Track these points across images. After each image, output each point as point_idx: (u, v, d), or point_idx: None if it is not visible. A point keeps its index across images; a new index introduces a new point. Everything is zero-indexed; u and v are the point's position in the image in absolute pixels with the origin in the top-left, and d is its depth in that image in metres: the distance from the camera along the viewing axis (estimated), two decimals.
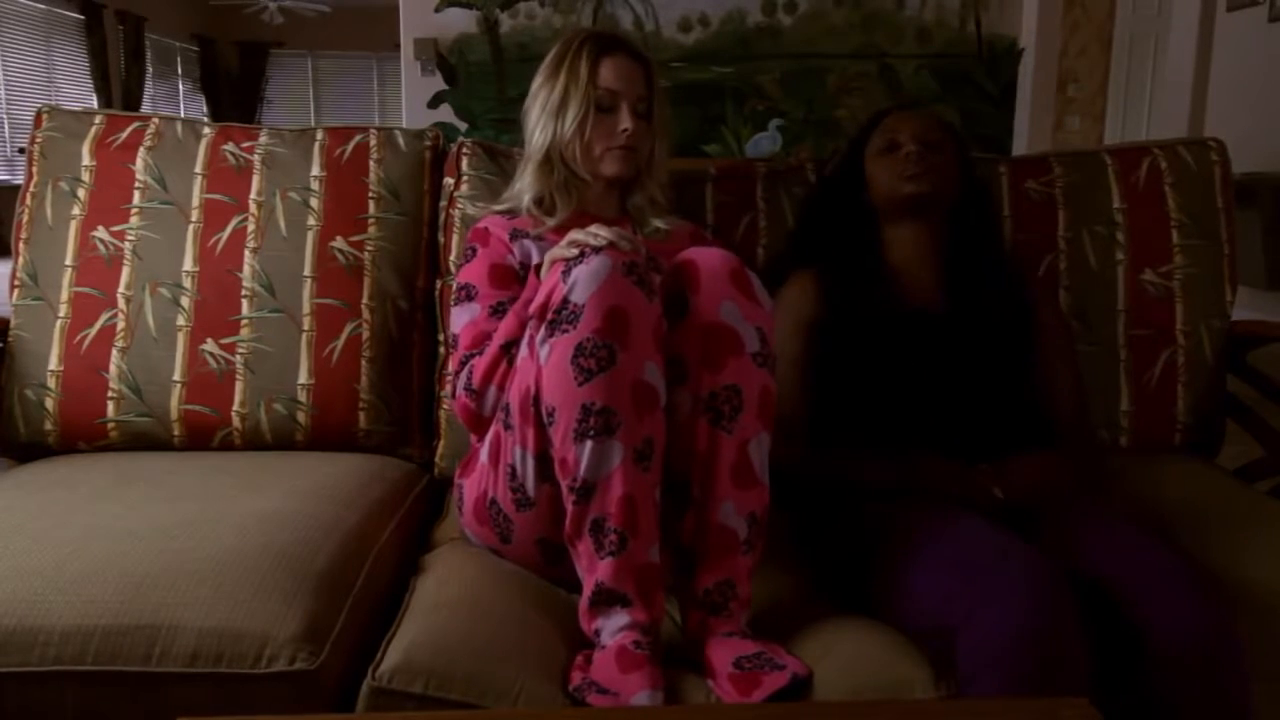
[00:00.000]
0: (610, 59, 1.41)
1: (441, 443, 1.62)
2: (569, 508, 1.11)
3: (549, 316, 1.11)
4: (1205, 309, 1.65)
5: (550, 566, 1.25)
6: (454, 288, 1.44)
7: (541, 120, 1.44)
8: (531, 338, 1.15)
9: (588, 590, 1.10)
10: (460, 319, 1.39)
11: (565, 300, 1.09)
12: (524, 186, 1.47)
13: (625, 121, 1.41)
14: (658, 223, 1.49)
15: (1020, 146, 5.63)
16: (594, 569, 1.10)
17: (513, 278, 1.40)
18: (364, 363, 1.59)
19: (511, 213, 1.49)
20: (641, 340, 1.09)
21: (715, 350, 1.14)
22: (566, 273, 1.11)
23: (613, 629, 1.08)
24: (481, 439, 1.33)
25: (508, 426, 1.21)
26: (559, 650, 1.11)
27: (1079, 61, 6.24)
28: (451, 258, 1.64)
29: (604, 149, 1.42)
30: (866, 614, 1.17)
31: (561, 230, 1.39)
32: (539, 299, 1.14)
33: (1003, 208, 1.69)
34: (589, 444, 1.08)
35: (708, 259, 1.17)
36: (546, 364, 1.11)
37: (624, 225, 1.48)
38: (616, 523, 1.08)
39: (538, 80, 1.46)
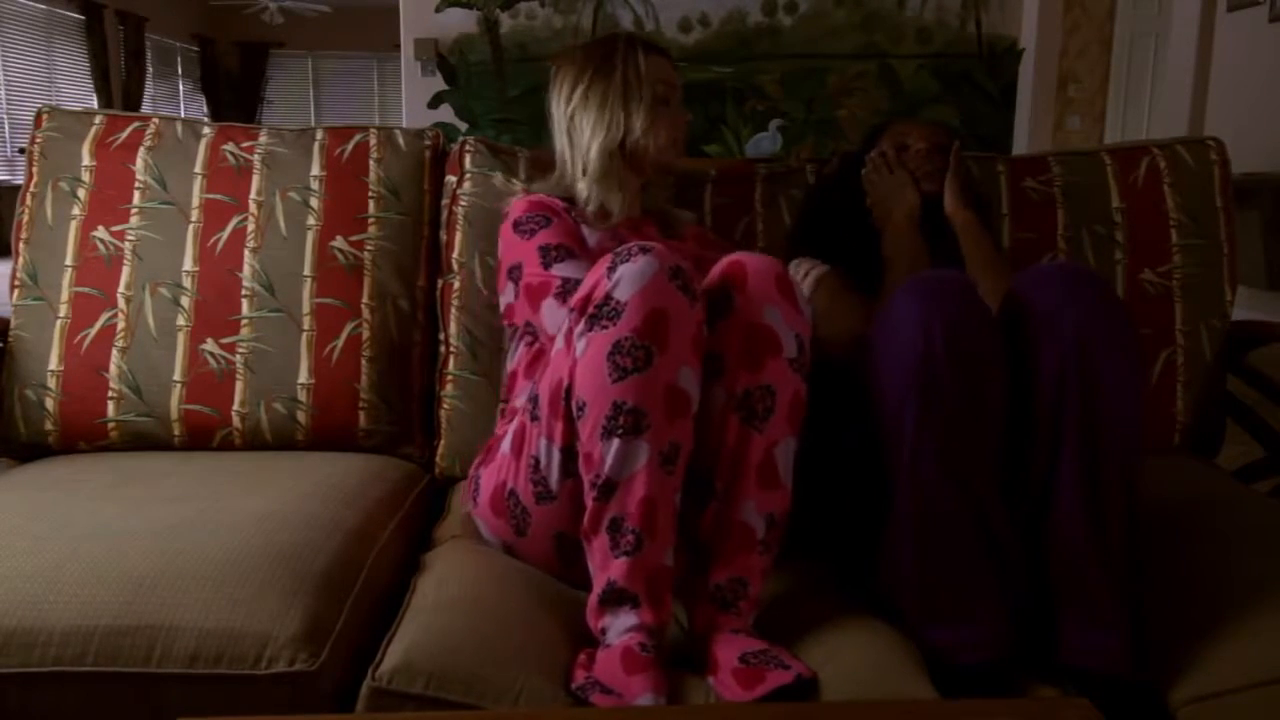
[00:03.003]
0: (656, 58, 1.50)
1: (442, 443, 1.62)
2: (589, 503, 1.11)
3: (589, 310, 1.12)
4: (1205, 309, 1.65)
5: (563, 563, 1.25)
6: (537, 248, 1.38)
7: (606, 115, 1.46)
8: (570, 330, 1.16)
9: (598, 587, 1.10)
10: (571, 271, 1.35)
11: (608, 296, 1.10)
12: (590, 193, 1.47)
13: (685, 113, 1.53)
14: (685, 214, 1.61)
15: (1020, 146, 5.63)
16: (607, 567, 1.10)
17: (588, 250, 1.43)
18: (364, 362, 1.59)
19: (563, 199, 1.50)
20: (680, 345, 1.10)
21: (755, 350, 1.16)
22: (612, 269, 1.11)
23: (619, 629, 1.08)
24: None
25: (534, 418, 1.22)
26: (560, 649, 1.10)
27: (1079, 61, 6.24)
28: (455, 255, 1.63)
29: (670, 138, 1.49)
30: (878, 613, 1.17)
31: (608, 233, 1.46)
32: (581, 292, 1.15)
33: (1001, 207, 1.69)
34: (616, 442, 1.08)
35: (756, 263, 1.19)
36: (582, 357, 1.11)
37: (648, 224, 1.55)
38: (635, 523, 1.08)
39: (581, 83, 1.47)
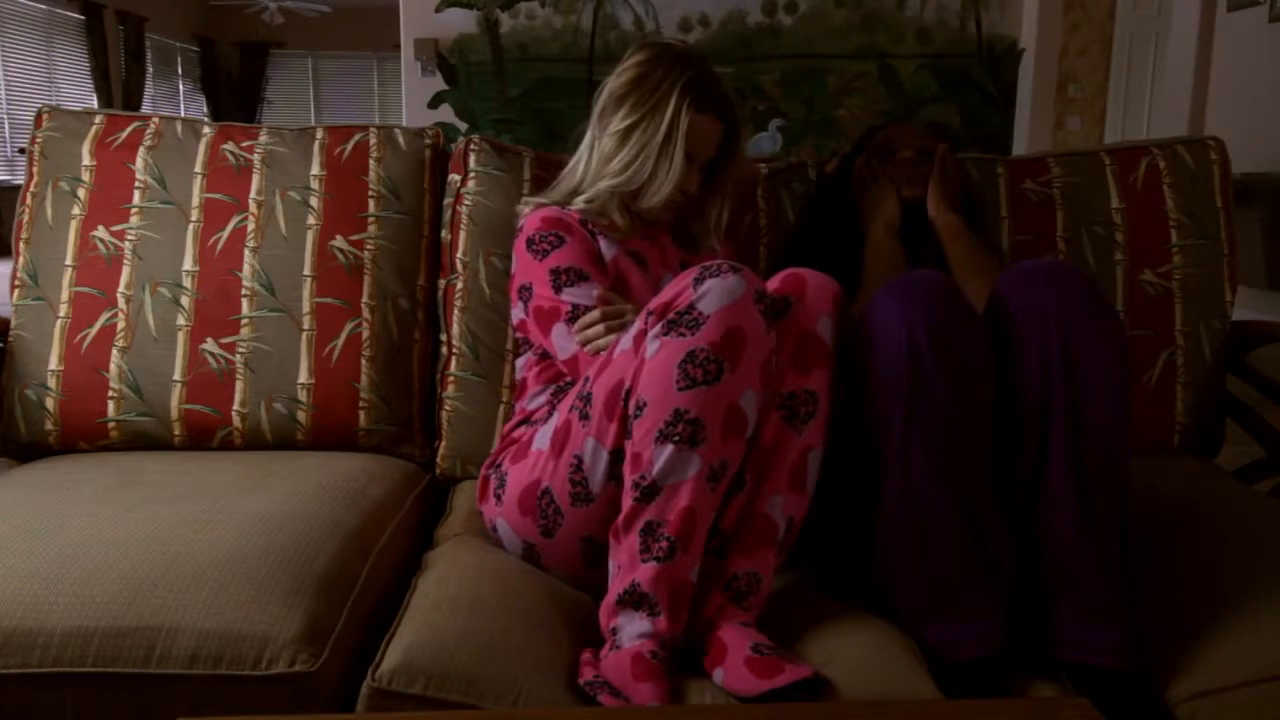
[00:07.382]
0: (703, 119, 1.42)
1: (443, 443, 1.62)
2: (626, 502, 1.12)
3: (669, 316, 1.12)
4: (1205, 309, 1.65)
5: (587, 566, 1.24)
6: (549, 271, 1.39)
7: (634, 166, 1.41)
8: (641, 332, 1.15)
9: (619, 588, 1.10)
10: (580, 297, 1.36)
11: (691, 306, 1.10)
12: (588, 208, 1.46)
13: (693, 184, 1.45)
14: (711, 241, 1.54)
15: (1020, 147, 5.63)
16: (634, 569, 1.10)
17: (604, 265, 1.42)
18: (364, 362, 1.59)
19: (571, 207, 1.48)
20: (750, 367, 1.10)
21: (806, 356, 1.17)
22: (699, 281, 1.11)
23: (633, 633, 1.08)
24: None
25: (584, 416, 1.20)
26: (560, 649, 1.11)
27: (1079, 61, 6.24)
28: (459, 255, 1.63)
29: (672, 196, 1.43)
30: (875, 612, 1.17)
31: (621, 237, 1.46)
32: (662, 298, 1.14)
33: (1000, 208, 1.69)
34: (670, 448, 1.08)
35: (815, 278, 1.21)
36: (652, 359, 1.11)
37: (663, 234, 1.52)
38: (672, 531, 1.09)
39: (627, 117, 1.41)
